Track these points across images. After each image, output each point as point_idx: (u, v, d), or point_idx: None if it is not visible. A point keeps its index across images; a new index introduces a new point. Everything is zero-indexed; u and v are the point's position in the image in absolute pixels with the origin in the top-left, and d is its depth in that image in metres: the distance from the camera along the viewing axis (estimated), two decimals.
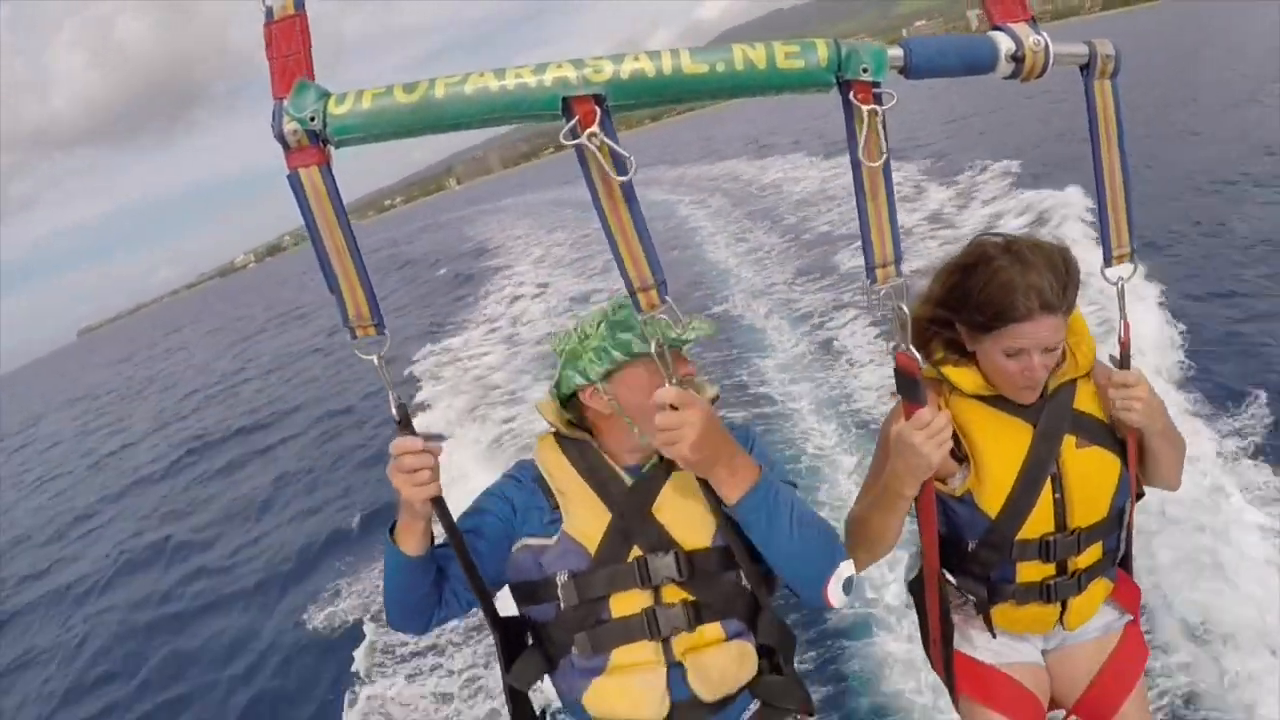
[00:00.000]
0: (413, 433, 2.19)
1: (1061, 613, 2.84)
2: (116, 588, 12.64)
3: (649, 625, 2.42)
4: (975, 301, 2.60)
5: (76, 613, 12.27)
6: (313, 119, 1.85)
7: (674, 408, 2.13)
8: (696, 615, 2.44)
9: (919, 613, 2.96)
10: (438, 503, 2.26)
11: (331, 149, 1.93)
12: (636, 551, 2.43)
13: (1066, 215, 13.63)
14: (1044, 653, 3.01)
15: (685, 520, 2.44)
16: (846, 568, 2.40)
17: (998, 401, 2.71)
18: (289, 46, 1.90)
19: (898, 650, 5.60)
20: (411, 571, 2.38)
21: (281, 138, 1.88)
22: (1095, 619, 2.96)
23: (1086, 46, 2.21)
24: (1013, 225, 14.50)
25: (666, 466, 2.49)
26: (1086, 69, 2.24)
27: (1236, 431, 7.17)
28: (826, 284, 15.01)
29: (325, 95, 1.87)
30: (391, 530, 2.38)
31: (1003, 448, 2.68)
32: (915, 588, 2.94)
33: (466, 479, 9.28)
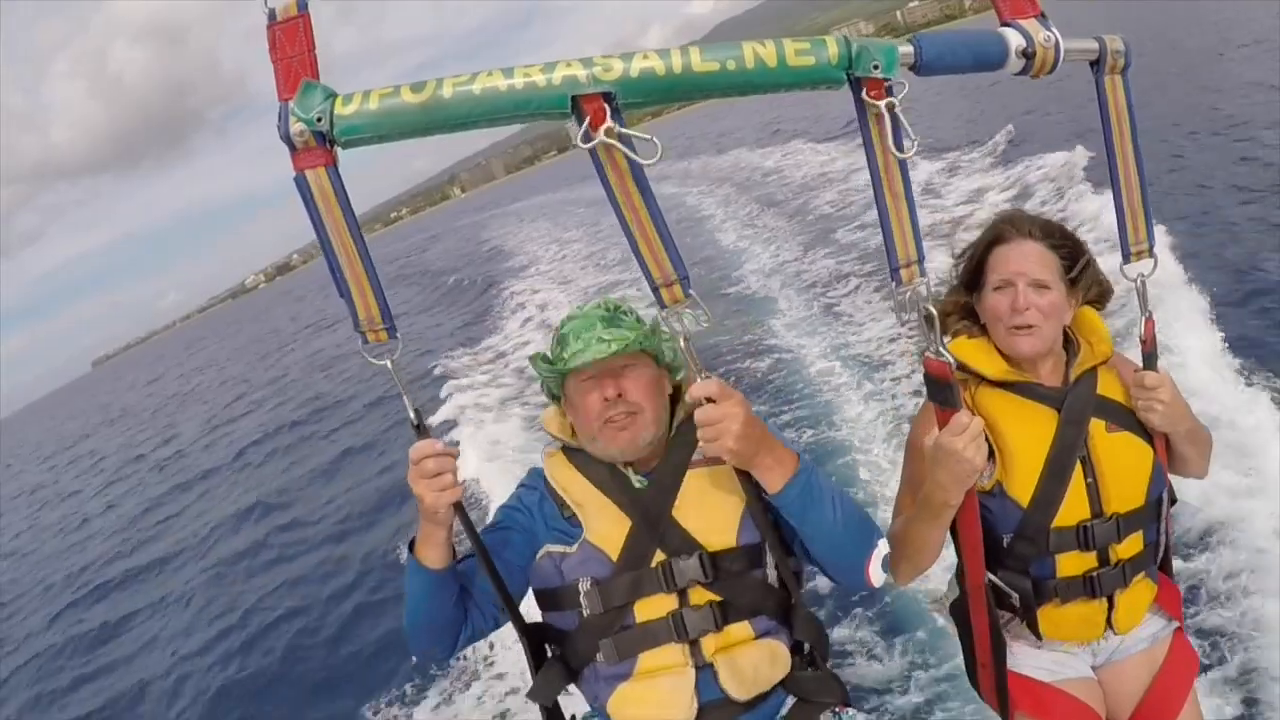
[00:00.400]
0: (428, 436, 2.20)
1: (1109, 612, 2.76)
2: (213, 549, 14.17)
3: (676, 628, 2.40)
4: (978, 248, 2.72)
5: (178, 575, 13.80)
6: (319, 119, 1.84)
7: (711, 401, 2.10)
8: (723, 615, 2.41)
9: (962, 636, 2.86)
10: (458, 508, 2.25)
11: (339, 150, 1.92)
12: (660, 556, 2.40)
13: (1068, 182, 14.38)
14: (1094, 669, 2.90)
15: (707, 521, 2.42)
16: (884, 545, 2.40)
17: (1021, 388, 2.68)
18: (293, 48, 1.89)
19: (936, 642, 5.62)
20: (437, 587, 2.37)
21: (288, 139, 1.87)
22: (1143, 628, 2.87)
23: (1096, 42, 2.20)
24: (1000, 198, 15.58)
25: (677, 468, 2.48)
26: (1097, 65, 2.23)
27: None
28: (827, 254, 16.31)
29: (331, 95, 1.86)
30: (411, 548, 2.37)
31: (1028, 433, 2.65)
32: (956, 610, 2.85)
33: (505, 443, 10.92)
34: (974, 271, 2.73)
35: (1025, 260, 2.60)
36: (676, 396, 2.59)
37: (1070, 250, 2.65)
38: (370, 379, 21.02)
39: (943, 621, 5.09)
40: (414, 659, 7.48)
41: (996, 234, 2.67)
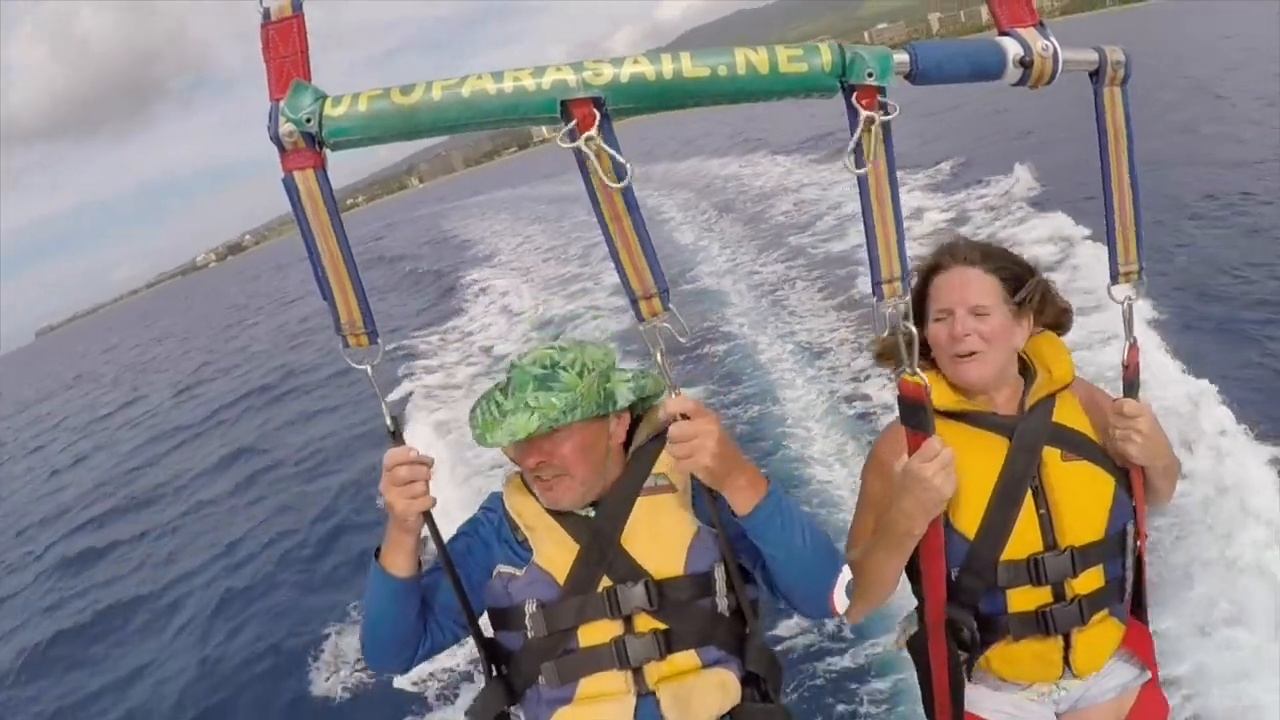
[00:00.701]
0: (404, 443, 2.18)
1: (1066, 652, 2.61)
2: (197, 489, 15.35)
3: (618, 655, 2.36)
4: (920, 278, 2.60)
5: (164, 511, 14.89)
6: (308, 120, 1.84)
7: (686, 417, 2.06)
8: (667, 644, 2.36)
9: (920, 673, 2.75)
10: (427, 516, 2.24)
11: (327, 152, 1.91)
12: (606, 582, 2.36)
13: (1004, 210, 15.39)
14: (1059, 716, 2.76)
15: (655, 549, 2.38)
16: (847, 572, 2.34)
17: (971, 418, 2.58)
18: (286, 48, 1.88)
19: (894, 679, 5.63)
20: (400, 596, 2.34)
21: (277, 140, 1.86)
22: (1111, 677, 2.73)
23: (1096, 53, 2.15)
24: (939, 218, 16.55)
25: (629, 494, 2.43)
26: (1096, 75, 2.17)
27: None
28: (778, 257, 17.65)
29: (322, 97, 1.85)
30: (376, 556, 2.34)
31: (976, 462, 2.52)
32: (915, 645, 2.72)
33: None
34: (918, 303, 2.58)
35: (963, 287, 2.52)
36: (640, 419, 2.58)
37: (1014, 272, 2.57)
38: (334, 349, 21.74)
39: (902, 657, 5.03)
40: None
41: (934, 263, 2.60)
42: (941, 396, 2.54)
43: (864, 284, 2.54)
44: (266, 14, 1.89)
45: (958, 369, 2.53)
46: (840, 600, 2.33)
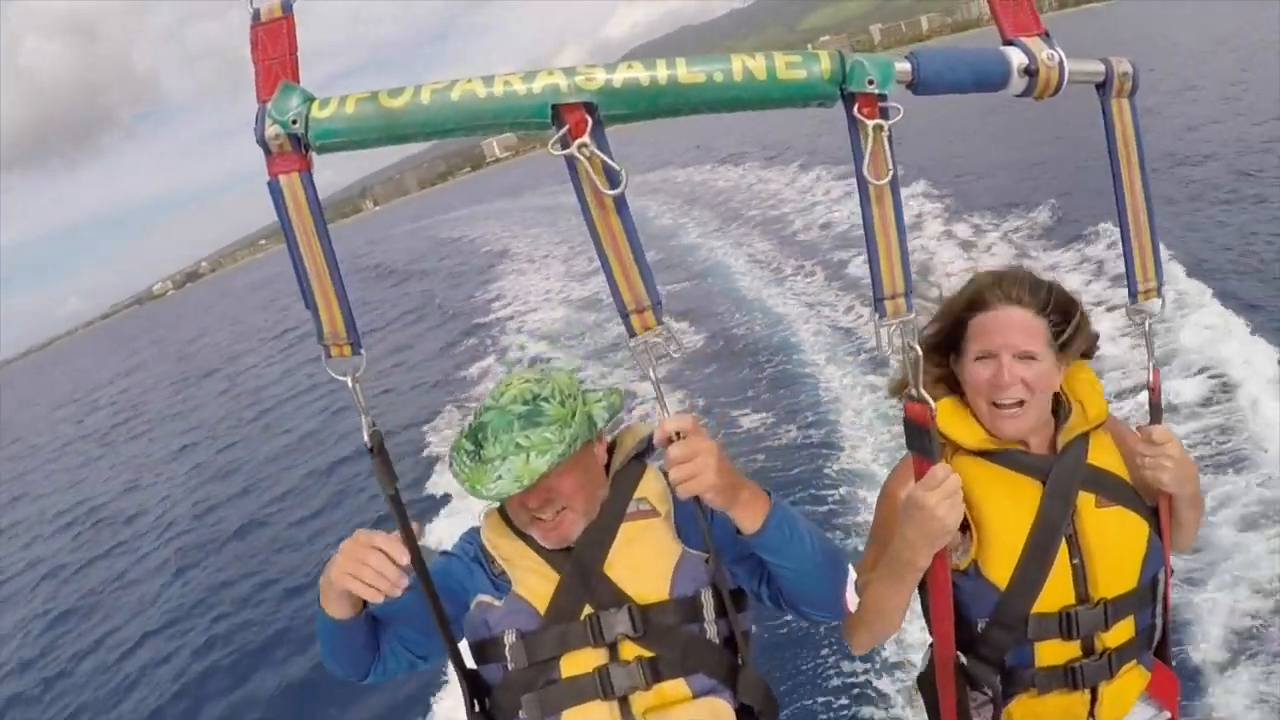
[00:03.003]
0: (385, 459, 2.04)
1: (1093, 705, 2.50)
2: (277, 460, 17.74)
3: (602, 684, 2.27)
4: (955, 310, 2.48)
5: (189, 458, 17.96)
6: (294, 122, 1.79)
7: (680, 435, 1.94)
8: (654, 672, 2.27)
9: (928, 711, 2.63)
10: (418, 562, 2.12)
11: (314, 155, 1.85)
12: (588, 610, 2.29)
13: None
14: None
15: (638, 574, 2.31)
16: (851, 570, 2.31)
17: (1002, 457, 2.45)
18: (275, 49, 1.85)
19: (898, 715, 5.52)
20: (342, 634, 2.31)
21: (263, 142, 1.83)
22: (1130, 717, 2.60)
23: (1102, 64, 2.09)
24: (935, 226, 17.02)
25: (611, 521, 2.36)
26: (1102, 87, 2.09)
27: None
28: (738, 230, 21.99)
29: (309, 99, 1.82)
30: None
31: (1009, 508, 2.41)
32: (925, 682, 2.62)
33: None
34: (951, 333, 2.50)
35: (1011, 330, 2.37)
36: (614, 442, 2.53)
37: (1062, 310, 2.41)
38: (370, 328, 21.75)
39: (903, 695, 5.45)
40: None
41: (978, 298, 2.43)
42: (970, 435, 2.47)
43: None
44: (256, 15, 1.85)
45: (997, 421, 2.41)
46: (852, 600, 2.29)
